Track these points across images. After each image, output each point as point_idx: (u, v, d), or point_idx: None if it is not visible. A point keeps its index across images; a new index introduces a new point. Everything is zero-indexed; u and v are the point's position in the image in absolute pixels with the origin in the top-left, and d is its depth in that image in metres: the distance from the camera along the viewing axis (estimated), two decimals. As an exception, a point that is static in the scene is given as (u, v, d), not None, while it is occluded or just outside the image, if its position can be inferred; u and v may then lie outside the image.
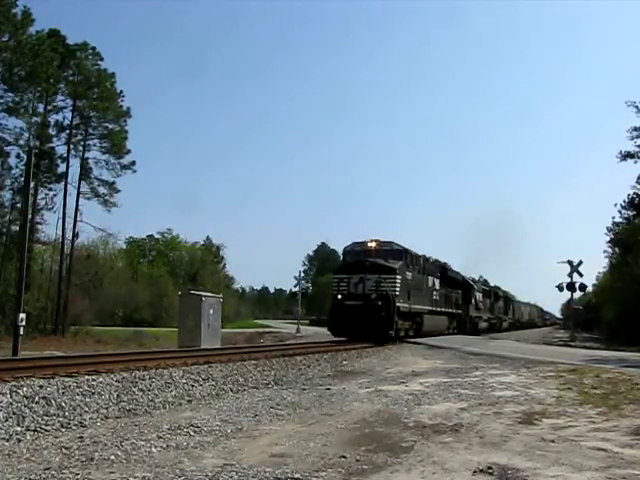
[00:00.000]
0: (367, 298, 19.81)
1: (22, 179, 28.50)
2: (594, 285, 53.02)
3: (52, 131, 34.54)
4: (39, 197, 32.74)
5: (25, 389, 6.67)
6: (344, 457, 4.66)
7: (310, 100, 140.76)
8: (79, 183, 34.37)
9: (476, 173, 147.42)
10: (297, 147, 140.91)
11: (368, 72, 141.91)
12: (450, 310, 29.02)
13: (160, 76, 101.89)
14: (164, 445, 4.97)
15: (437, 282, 26.61)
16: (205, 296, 19.49)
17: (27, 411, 5.98)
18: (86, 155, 35.14)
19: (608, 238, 40.01)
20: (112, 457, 4.51)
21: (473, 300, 35.42)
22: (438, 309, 26.36)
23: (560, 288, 32.03)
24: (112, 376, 8.14)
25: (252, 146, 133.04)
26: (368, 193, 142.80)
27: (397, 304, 20.10)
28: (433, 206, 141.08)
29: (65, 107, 34.98)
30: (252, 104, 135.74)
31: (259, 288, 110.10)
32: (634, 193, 34.67)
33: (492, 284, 54.13)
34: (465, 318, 32.51)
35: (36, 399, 6.38)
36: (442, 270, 28.34)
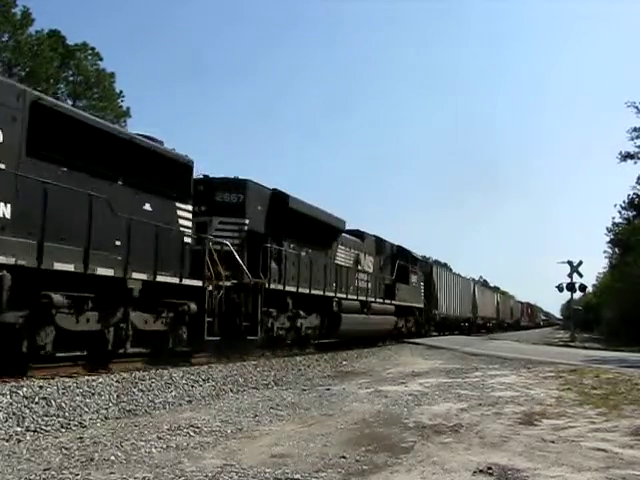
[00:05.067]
0: None
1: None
2: (594, 285, 53.18)
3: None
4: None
5: (25, 389, 6.66)
6: (344, 457, 4.66)
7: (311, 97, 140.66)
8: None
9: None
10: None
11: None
12: None
13: (159, 75, 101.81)
14: (164, 445, 4.97)
15: None
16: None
17: (27, 411, 5.97)
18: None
19: (608, 238, 40.16)
20: (112, 457, 4.50)
21: None
22: None
23: (560, 288, 32.13)
24: (112, 376, 8.14)
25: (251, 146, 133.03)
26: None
27: None
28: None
29: (65, 107, 35.08)
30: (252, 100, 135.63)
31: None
32: (634, 194, 34.77)
33: (492, 284, 51.10)
34: None
35: (36, 399, 6.37)
36: None
